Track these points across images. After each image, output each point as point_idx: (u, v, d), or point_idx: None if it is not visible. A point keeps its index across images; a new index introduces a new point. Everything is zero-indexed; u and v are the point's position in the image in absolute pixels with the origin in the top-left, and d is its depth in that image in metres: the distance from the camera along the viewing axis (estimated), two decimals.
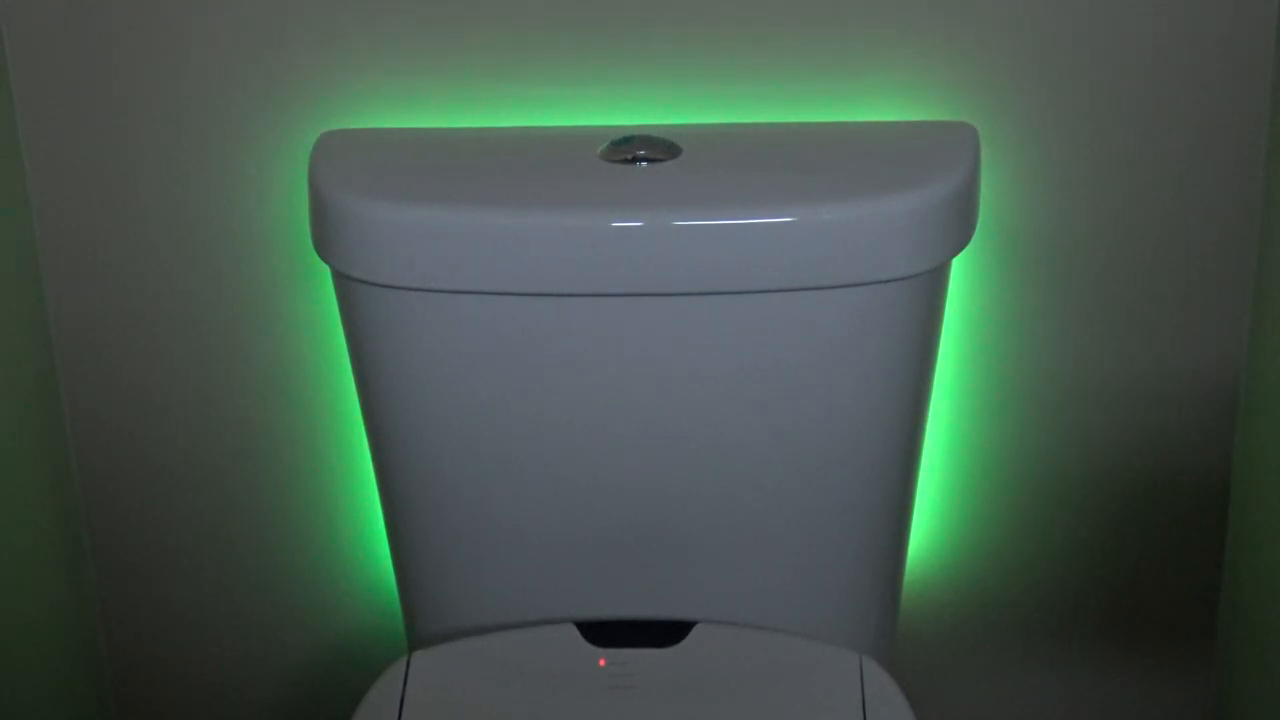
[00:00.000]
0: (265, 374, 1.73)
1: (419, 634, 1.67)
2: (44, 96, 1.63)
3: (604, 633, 1.60)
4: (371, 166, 1.54)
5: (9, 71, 1.62)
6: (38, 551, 1.71)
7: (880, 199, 1.48)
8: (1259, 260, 1.65)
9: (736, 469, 1.57)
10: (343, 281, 1.53)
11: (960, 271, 1.66)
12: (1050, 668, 1.84)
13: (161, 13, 1.60)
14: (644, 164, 1.53)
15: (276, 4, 1.59)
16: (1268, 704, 1.66)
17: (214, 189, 1.66)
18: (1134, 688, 1.85)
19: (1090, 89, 1.60)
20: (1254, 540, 1.69)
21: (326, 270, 1.65)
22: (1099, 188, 1.64)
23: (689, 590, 1.62)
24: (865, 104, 1.61)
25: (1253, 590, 1.70)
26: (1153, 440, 1.74)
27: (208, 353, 1.72)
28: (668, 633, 1.60)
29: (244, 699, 1.88)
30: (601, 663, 1.58)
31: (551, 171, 1.53)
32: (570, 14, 1.58)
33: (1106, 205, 1.64)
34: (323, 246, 1.53)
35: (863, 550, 1.61)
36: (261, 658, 1.86)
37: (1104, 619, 1.82)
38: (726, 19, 1.58)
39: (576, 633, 1.60)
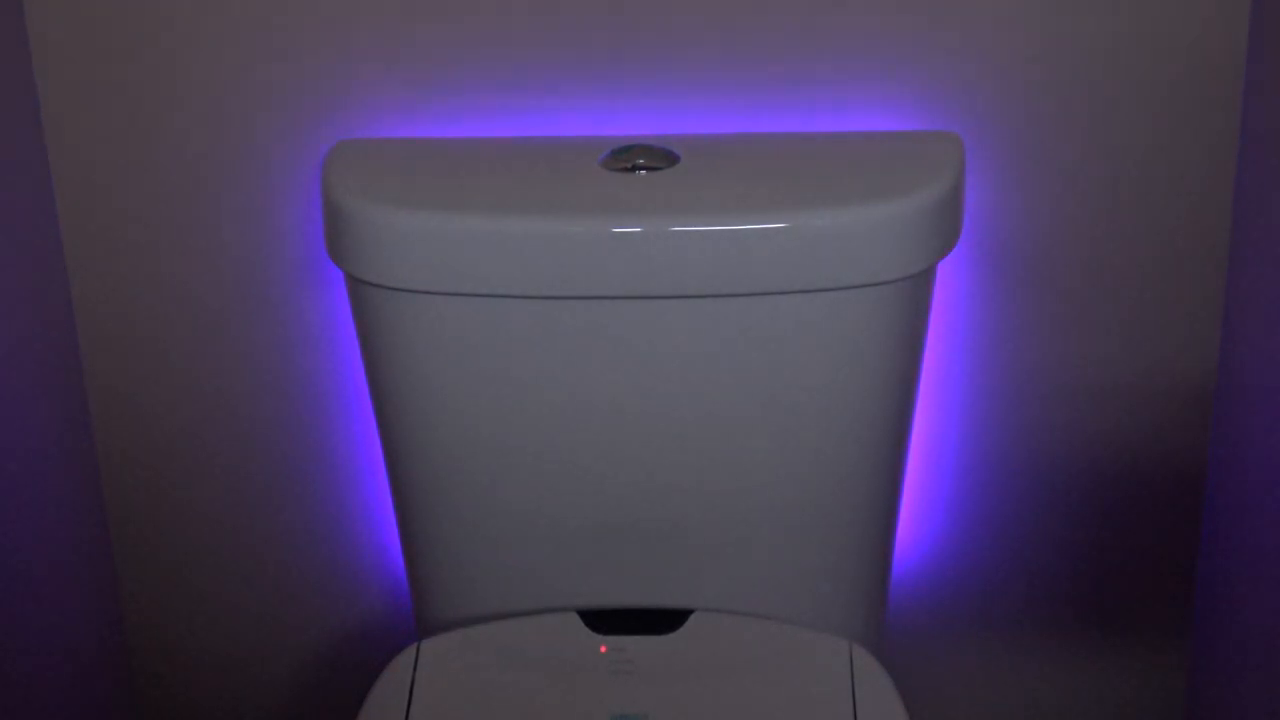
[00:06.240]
0: (280, 372, 1.74)
1: (428, 622, 1.68)
2: (68, 107, 1.64)
3: (605, 620, 1.61)
4: (383, 174, 1.54)
5: (35, 82, 1.64)
6: (61, 538, 1.72)
7: (870, 206, 1.48)
8: (1230, 264, 1.67)
9: (731, 464, 1.57)
10: (355, 284, 1.54)
11: (945, 275, 1.68)
12: (1031, 655, 1.85)
13: (182, 26, 1.61)
14: (643, 172, 1.54)
15: (293, 22, 1.60)
16: (1240, 689, 1.68)
17: (232, 196, 1.67)
18: (1112, 673, 1.85)
19: (1069, 101, 1.61)
20: (1227, 533, 1.70)
21: (339, 274, 1.69)
22: (1078, 195, 1.65)
23: (686, 580, 1.63)
24: (856, 114, 1.62)
25: (1225, 578, 1.71)
26: (1131, 436, 1.74)
27: (225, 352, 1.73)
28: (666, 620, 1.61)
29: (259, 684, 1.88)
30: (603, 649, 1.58)
31: (555, 179, 1.53)
32: (573, 30, 1.60)
33: (1085, 211, 1.66)
34: (336, 251, 1.53)
35: (853, 541, 1.62)
36: (277, 645, 1.86)
37: (1084, 607, 1.83)
38: (723, 34, 1.60)
39: (579, 620, 1.61)
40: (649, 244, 1.49)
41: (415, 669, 1.57)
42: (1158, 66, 1.61)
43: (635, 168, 1.55)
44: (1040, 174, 1.65)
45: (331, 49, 1.62)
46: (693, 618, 1.62)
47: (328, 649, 1.87)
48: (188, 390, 1.76)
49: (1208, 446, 1.76)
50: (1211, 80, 1.61)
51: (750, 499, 1.60)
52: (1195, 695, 1.83)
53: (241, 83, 1.63)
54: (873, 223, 1.49)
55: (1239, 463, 1.66)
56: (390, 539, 1.82)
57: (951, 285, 1.69)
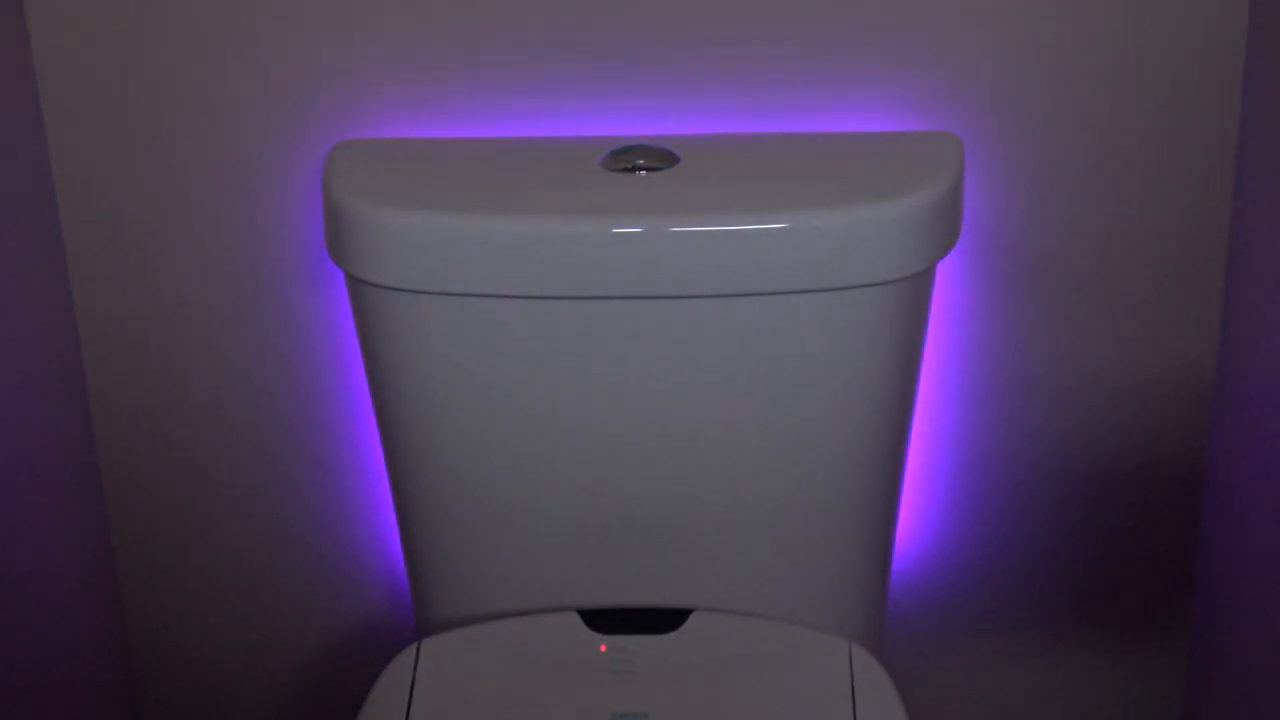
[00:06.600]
0: (281, 372, 1.74)
1: (428, 622, 1.68)
2: (70, 107, 1.65)
3: (605, 620, 1.61)
4: (383, 175, 1.55)
5: (36, 82, 1.64)
6: (61, 536, 1.72)
7: (869, 206, 1.49)
8: (1229, 264, 1.67)
9: (731, 464, 1.57)
10: (355, 284, 1.54)
11: (944, 275, 1.68)
12: (1030, 655, 1.85)
13: (183, 28, 1.61)
14: (643, 172, 1.54)
15: (294, 23, 1.61)
16: (1239, 689, 1.68)
17: (233, 197, 1.67)
18: (1112, 673, 1.86)
19: (1069, 102, 1.62)
20: (1226, 532, 1.70)
21: (340, 274, 1.69)
22: (1077, 195, 1.65)
23: (686, 580, 1.63)
24: (856, 115, 1.62)
25: (1224, 578, 1.72)
26: (1130, 435, 1.75)
27: (226, 352, 1.73)
28: (666, 620, 1.61)
29: (261, 683, 1.89)
30: (603, 648, 1.59)
31: (555, 180, 1.53)
32: (574, 32, 1.60)
33: (1084, 212, 1.66)
34: (336, 251, 1.54)
35: (852, 541, 1.62)
36: (278, 645, 1.87)
37: (1083, 607, 1.83)
38: (723, 35, 1.60)
39: (579, 620, 1.61)
40: (649, 244, 1.49)
41: (415, 669, 1.58)
42: (1157, 67, 1.61)
43: (635, 168, 1.55)
44: (1040, 174, 1.65)
45: (332, 50, 1.62)
46: (692, 617, 1.62)
47: (328, 649, 1.87)
48: (188, 389, 1.76)
49: (1207, 446, 1.76)
50: (1211, 80, 1.62)
51: (750, 499, 1.60)
52: (1194, 695, 1.83)
53: (242, 84, 1.64)
54: (872, 223, 1.49)
55: (1238, 462, 1.67)
56: (390, 539, 1.82)
57: (950, 285, 1.69)
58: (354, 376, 1.75)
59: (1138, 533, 1.80)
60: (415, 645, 1.61)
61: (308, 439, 1.78)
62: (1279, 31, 1.53)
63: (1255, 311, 1.61)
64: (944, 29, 1.60)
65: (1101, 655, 1.86)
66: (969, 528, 1.80)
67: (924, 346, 1.60)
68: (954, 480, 1.78)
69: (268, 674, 1.89)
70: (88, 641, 1.79)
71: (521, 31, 1.61)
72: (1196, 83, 1.62)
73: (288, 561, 1.84)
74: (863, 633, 1.68)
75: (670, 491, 1.60)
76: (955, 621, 1.85)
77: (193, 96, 1.65)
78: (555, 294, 1.50)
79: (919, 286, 1.54)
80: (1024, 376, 1.73)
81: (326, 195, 1.54)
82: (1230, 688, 1.71)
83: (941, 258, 1.54)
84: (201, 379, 1.76)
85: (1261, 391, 1.60)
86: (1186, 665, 1.86)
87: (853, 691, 1.55)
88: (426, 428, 1.58)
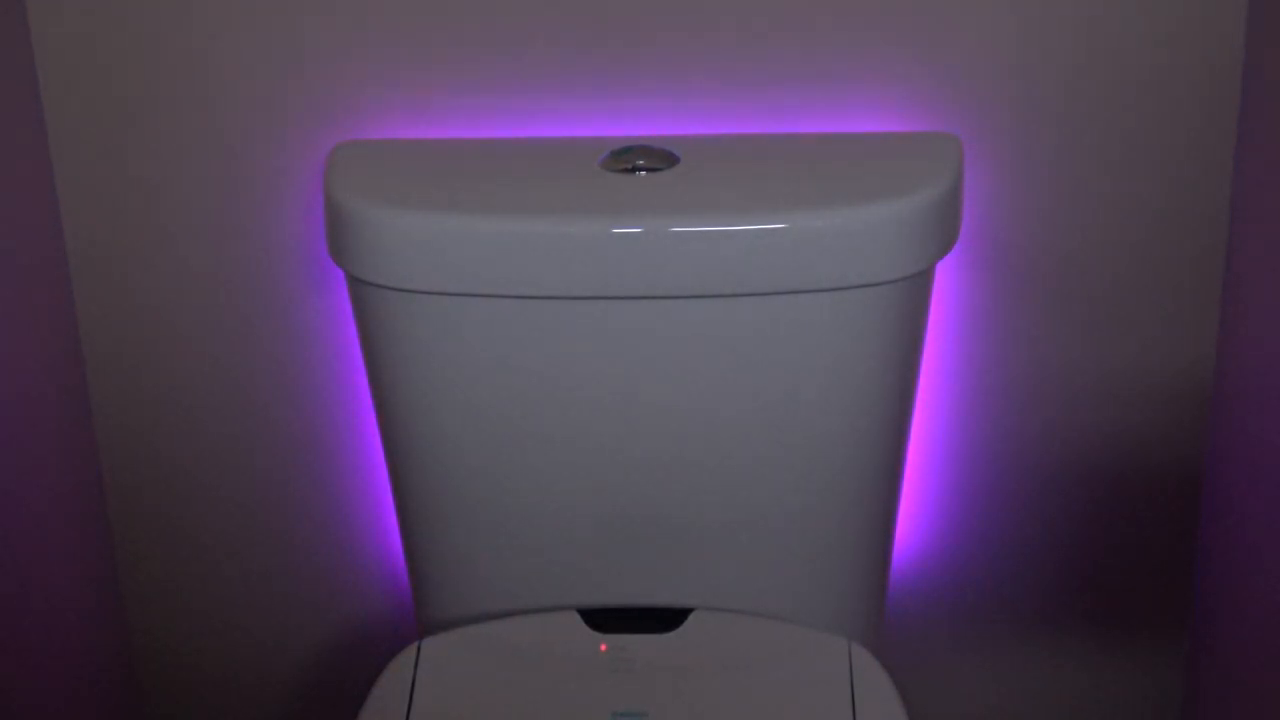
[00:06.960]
0: (282, 373, 1.74)
1: (429, 621, 1.69)
2: (70, 107, 1.65)
3: (605, 619, 1.62)
4: (384, 176, 1.55)
5: (36, 82, 1.64)
6: (63, 538, 1.73)
7: (868, 206, 1.49)
8: (1227, 265, 1.68)
9: (731, 464, 1.58)
10: (356, 285, 1.54)
11: (944, 275, 1.69)
12: (1029, 654, 1.85)
13: (185, 31, 1.62)
14: (643, 173, 1.54)
15: (295, 27, 1.61)
16: (1238, 688, 1.68)
17: (235, 198, 1.67)
18: (1111, 672, 1.86)
19: (1067, 103, 1.62)
20: (1225, 532, 1.70)
21: (341, 274, 1.70)
22: (1076, 196, 1.65)
23: (686, 579, 1.63)
24: (855, 115, 1.63)
25: (1223, 577, 1.72)
26: (1128, 435, 1.75)
27: (228, 353, 1.74)
28: (666, 619, 1.61)
29: (262, 683, 1.89)
30: (603, 648, 1.59)
31: (555, 180, 1.53)
32: (574, 32, 1.60)
33: (1083, 213, 1.66)
34: (337, 252, 1.54)
35: (852, 540, 1.62)
36: (278, 644, 1.87)
37: (1082, 607, 1.83)
38: (723, 36, 1.60)
39: (579, 619, 1.62)
40: (649, 244, 1.49)
41: (415, 669, 1.58)
42: (1157, 67, 1.62)
43: (635, 168, 1.56)
44: (1039, 174, 1.65)
45: (332, 51, 1.62)
46: (692, 616, 1.62)
47: (328, 649, 1.87)
48: (188, 389, 1.77)
49: (1205, 446, 1.76)
50: (1210, 80, 1.62)
51: (750, 498, 1.60)
52: (1194, 695, 1.83)
53: (242, 84, 1.64)
54: (872, 223, 1.49)
55: (1236, 462, 1.67)
56: (391, 539, 1.82)
57: (950, 285, 1.70)
58: (354, 376, 1.75)
59: (1138, 533, 1.80)
60: (415, 645, 1.61)
61: (308, 439, 1.78)
62: (1279, 31, 1.53)
63: (1254, 312, 1.61)
64: (944, 29, 1.60)
65: (1101, 655, 1.86)
66: (968, 527, 1.81)
67: (924, 346, 1.59)
68: (953, 479, 1.78)
69: (268, 674, 1.89)
70: (89, 641, 1.79)
71: (521, 32, 1.61)
72: (1196, 83, 1.62)
73: (288, 561, 1.84)
74: (862, 632, 1.68)
75: (670, 491, 1.60)
76: (955, 620, 1.85)
77: (193, 97, 1.65)
78: (555, 294, 1.50)
79: (919, 286, 1.54)
80: (1023, 376, 1.74)
81: (327, 195, 1.55)
82: (1230, 688, 1.71)
83: (941, 258, 1.54)
84: (201, 379, 1.76)
85: (1261, 392, 1.60)
86: (1186, 665, 1.86)
87: (852, 691, 1.55)
88: (426, 428, 1.58)
